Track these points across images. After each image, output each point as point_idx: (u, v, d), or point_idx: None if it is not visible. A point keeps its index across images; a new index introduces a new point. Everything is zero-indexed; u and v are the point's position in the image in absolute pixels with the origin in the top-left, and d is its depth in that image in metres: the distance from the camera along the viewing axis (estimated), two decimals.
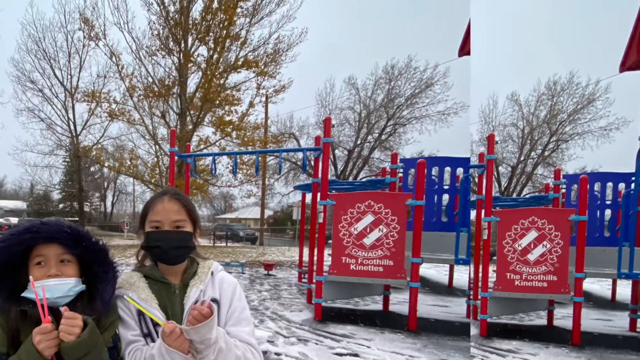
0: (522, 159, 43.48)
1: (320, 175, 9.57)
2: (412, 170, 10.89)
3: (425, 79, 39.17)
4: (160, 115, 29.97)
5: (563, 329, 9.65)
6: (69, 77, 37.96)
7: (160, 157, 30.36)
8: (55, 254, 1.89)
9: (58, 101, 39.10)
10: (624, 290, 15.70)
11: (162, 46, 27.67)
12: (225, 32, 25.60)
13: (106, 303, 1.95)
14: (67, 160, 54.80)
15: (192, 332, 1.76)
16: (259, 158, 15.47)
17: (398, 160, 10.81)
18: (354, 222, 8.66)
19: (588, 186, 9.08)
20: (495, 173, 40.87)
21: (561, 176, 10.86)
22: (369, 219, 8.57)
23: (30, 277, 1.80)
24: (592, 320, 10.62)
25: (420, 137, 41.76)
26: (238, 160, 23.99)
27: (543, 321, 10.50)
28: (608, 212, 11.17)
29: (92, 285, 1.97)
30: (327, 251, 10.95)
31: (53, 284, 1.82)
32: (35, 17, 40.34)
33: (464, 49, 6.31)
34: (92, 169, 61.10)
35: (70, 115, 39.04)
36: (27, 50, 51.98)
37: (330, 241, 11.41)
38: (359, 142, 44.28)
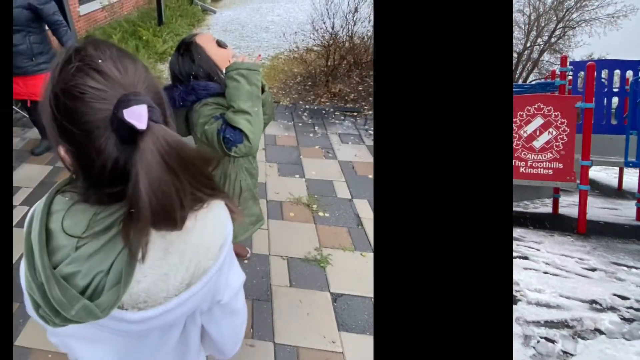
0: (528, 45, 42.93)
1: None
2: (582, 73, 10.78)
3: None
4: None
5: (568, 217, 9.61)
6: None
7: None
8: None
9: None
10: (631, 179, 15.80)
11: None
12: None
13: None
14: None
15: None
16: None
17: (567, 63, 10.43)
18: (523, 125, 8.47)
19: (595, 73, 8.81)
20: None
21: (568, 63, 10.59)
22: (538, 121, 8.37)
23: None
24: (598, 209, 10.62)
25: (589, 40, 41.32)
26: None
27: (548, 209, 10.54)
28: (615, 100, 11.01)
29: None
30: None
31: None
32: None
33: None
34: None
35: None
36: None
37: None
38: (528, 45, 43.53)
